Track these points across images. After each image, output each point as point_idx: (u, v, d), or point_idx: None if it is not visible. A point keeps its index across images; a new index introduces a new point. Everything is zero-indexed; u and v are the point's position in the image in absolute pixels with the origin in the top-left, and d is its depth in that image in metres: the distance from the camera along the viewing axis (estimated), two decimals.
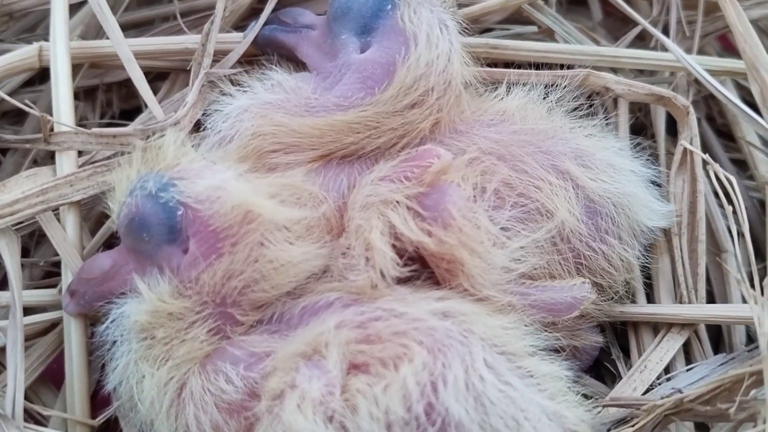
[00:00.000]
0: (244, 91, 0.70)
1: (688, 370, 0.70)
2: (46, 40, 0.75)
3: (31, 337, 0.70)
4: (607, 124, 0.75)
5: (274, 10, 0.76)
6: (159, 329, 0.60)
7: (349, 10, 0.69)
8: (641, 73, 0.85)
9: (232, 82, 0.72)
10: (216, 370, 0.59)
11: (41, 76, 0.80)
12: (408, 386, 0.53)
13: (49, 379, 0.72)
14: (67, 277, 0.69)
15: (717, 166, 0.65)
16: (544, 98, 0.72)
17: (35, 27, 0.86)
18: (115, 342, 0.62)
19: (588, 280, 0.66)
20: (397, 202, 0.62)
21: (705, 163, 0.69)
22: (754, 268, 0.62)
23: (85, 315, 0.68)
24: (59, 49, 0.73)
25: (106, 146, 0.71)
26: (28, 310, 0.69)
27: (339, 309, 0.60)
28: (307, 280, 0.63)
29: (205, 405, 0.58)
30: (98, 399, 0.68)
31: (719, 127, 0.88)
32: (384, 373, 0.54)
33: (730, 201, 0.65)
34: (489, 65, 0.79)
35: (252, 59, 0.76)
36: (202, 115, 0.72)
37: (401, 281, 0.63)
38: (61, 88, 0.72)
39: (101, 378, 0.66)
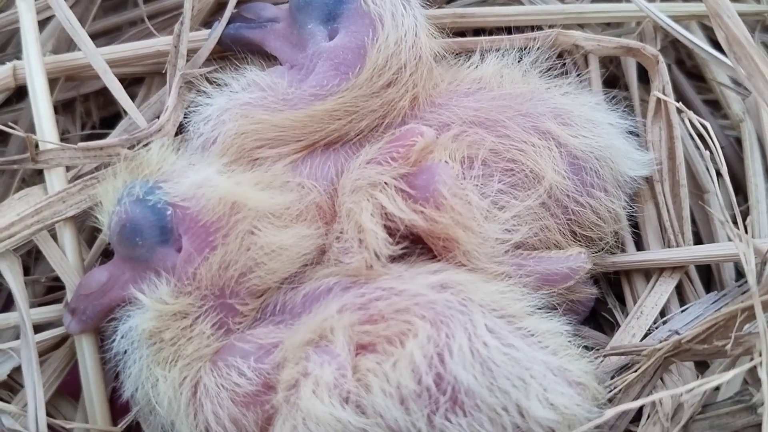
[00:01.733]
0: (221, 91, 0.71)
1: (682, 311, 0.72)
2: (18, 58, 0.75)
3: (44, 353, 0.71)
4: (580, 80, 0.77)
5: (237, 5, 0.76)
6: (165, 331, 0.62)
7: (310, 1, 0.69)
8: (609, 25, 0.86)
9: (207, 80, 0.73)
10: (227, 365, 0.60)
11: (17, 93, 0.80)
12: (416, 360, 0.55)
13: (66, 392, 0.73)
14: (70, 291, 0.70)
15: (691, 113, 0.66)
16: (518, 62, 0.73)
17: (5, 46, 0.86)
18: (125, 351, 0.64)
19: (585, 250, 0.68)
20: (386, 183, 0.64)
21: (679, 111, 0.70)
22: (736, 208, 0.63)
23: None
24: (34, 67, 0.73)
25: (94, 159, 0.72)
26: (36, 328, 0.69)
27: (339, 293, 0.61)
28: (304, 267, 0.65)
29: (221, 401, 0.60)
30: (117, 407, 0.70)
31: (690, 70, 0.89)
32: (391, 351, 0.56)
33: (707, 146, 0.67)
34: (459, 34, 0.80)
35: (224, 55, 0.77)
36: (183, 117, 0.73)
37: (396, 259, 0.64)
38: (41, 105, 0.72)
39: (117, 386, 0.67)
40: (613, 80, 0.86)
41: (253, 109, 0.69)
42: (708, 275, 0.78)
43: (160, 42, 0.77)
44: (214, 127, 0.69)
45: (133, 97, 0.77)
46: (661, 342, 0.64)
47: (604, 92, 0.81)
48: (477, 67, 0.73)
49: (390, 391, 0.55)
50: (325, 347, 0.57)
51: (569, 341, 0.62)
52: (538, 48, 0.74)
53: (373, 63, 0.68)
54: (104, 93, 0.82)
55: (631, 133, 0.74)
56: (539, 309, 0.63)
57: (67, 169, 0.73)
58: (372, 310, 0.58)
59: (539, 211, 0.67)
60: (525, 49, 0.75)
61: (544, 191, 0.67)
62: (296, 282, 0.64)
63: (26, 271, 0.79)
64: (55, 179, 0.71)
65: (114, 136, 0.76)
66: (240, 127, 0.68)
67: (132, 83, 0.81)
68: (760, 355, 0.56)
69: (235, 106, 0.69)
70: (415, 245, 0.66)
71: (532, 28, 0.79)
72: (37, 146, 0.70)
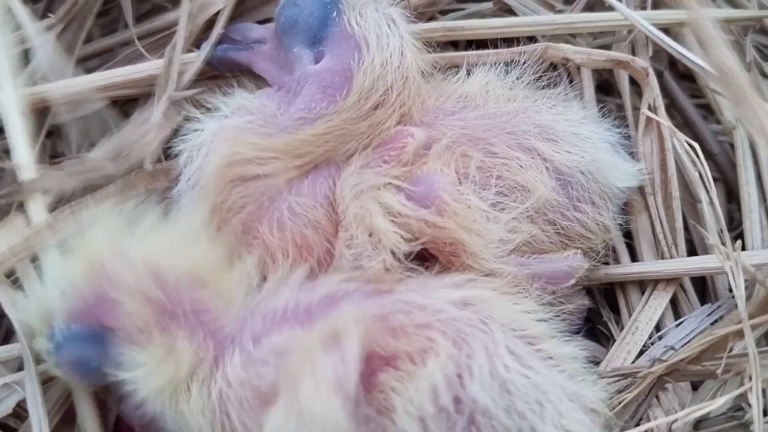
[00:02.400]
0: (211, 116, 0.70)
1: (677, 326, 0.73)
2: None
3: (48, 381, 0.72)
4: (572, 91, 0.77)
5: (226, 26, 0.77)
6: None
7: (295, 23, 0.69)
8: (601, 33, 0.86)
9: (197, 103, 0.73)
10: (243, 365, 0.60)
11: None
12: (436, 381, 0.55)
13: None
14: None
15: (680, 135, 0.67)
16: (506, 76, 0.73)
17: None
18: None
19: (579, 251, 0.69)
20: (387, 183, 0.65)
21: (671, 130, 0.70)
22: (724, 228, 0.64)
23: None
24: (9, 104, 0.73)
25: (80, 179, 0.72)
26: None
27: (359, 299, 0.61)
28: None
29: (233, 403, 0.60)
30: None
31: (682, 72, 0.89)
32: (413, 370, 0.56)
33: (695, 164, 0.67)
34: (450, 45, 0.81)
35: (215, 75, 0.77)
36: (173, 139, 0.73)
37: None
38: (17, 138, 0.73)
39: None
40: (606, 86, 0.86)
41: (242, 133, 0.68)
42: (702, 284, 0.78)
43: (152, 66, 0.77)
44: (207, 154, 0.69)
45: (127, 116, 0.78)
46: (655, 363, 0.65)
47: (597, 101, 0.81)
48: (463, 82, 0.73)
49: (413, 413, 0.55)
50: (336, 348, 0.57)
51: (584, 367, 0.62)
52: (525, 62, 0.74)
53: (360, 86, 0.68)
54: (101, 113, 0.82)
55: (621, 143, 0.74)
56: (559, 332, 0.63)
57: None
58: (393, 322, 0.58)
59: (527, 226, 0.68)
60: (514, 62, 0.74)
61: (531, 206, 0.67)
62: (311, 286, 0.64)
63: None
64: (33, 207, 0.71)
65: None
66: (232, 152, 0.67)
67: (126, 103, 0.82)
68: (751, 379, 0.57)
69: (226, 130, 0.69)
70: (427, 261, 0.67)
71: (519, 41, 0.79)
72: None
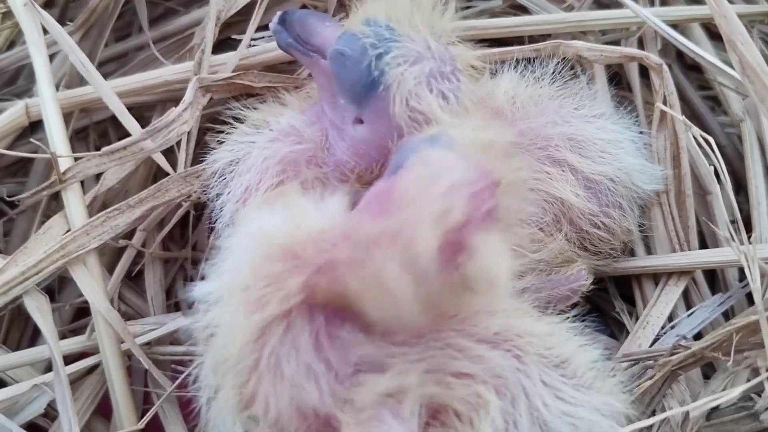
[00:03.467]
0: (259, 132, 0.69)
1: (689, 316, 0.74)
2: (28, 90, 0.77)
3: (75, 381, 0.74)
4: (587, 86, 0.78)
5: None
6: None
7: (342, 80, 0.64)
8: (611, 30, 0.87)
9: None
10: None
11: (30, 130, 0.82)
12: None
13: (101, 413, 0.77)
14: (97, 320, 0.72)
15: (695, 129, 0.67)
16: (526, 78, 0.73)
17: (14, 79, 0.87)
18: None
19: (585, 267, 0.69)
20: None
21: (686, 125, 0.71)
22: (741, 227, 0.65)
23: (121, 353, 0.72)
24: (48, 105, 0.75)
25: (119, 161, 0.73)
26: (66, 357, 0.72)
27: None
28: None
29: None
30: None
31: (690, 63, 0.90)
32: (462, 429, 0.55)
33: (710, 160, 0.68)
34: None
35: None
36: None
37: None
38: (56, 133, 0.74)
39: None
40: (615, 78, 0.87)
41: (295, 159, 0.67)
42: (712, 275, 0.80)
43: (167, 72, 0.79)
44: (260, 173, 0.67)
45: (144, 123, 0.78)
46: (672, 352, 0.67)
47: (611, 97, 0.82)
48: (486, 88, 0.71)
49: None
50: (396, 409, 0.54)
51: (606, 369, 0.61)
52: (541, 61, 0.74)
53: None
54: (116, 119, 0.83)
55: (643, 143, 0.75)
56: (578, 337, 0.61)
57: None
58: (440, 374, 0.55)
59: (553, 232, 0.68)
60: (529, 61, 0.75)
61: (562, 215, 0.68)
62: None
63: (50, 296, 0.83)
64: (73, 206, 0.73)
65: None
66: (282, 176, 0.67)
67: (143, 109, 0.83)
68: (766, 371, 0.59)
69: (278, 155, 0.67)
70: None
71: (529, 40, 0.80)
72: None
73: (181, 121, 0.72)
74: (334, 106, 0.66)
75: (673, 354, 0.66)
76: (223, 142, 0.70)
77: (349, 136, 0.66)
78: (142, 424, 0.72)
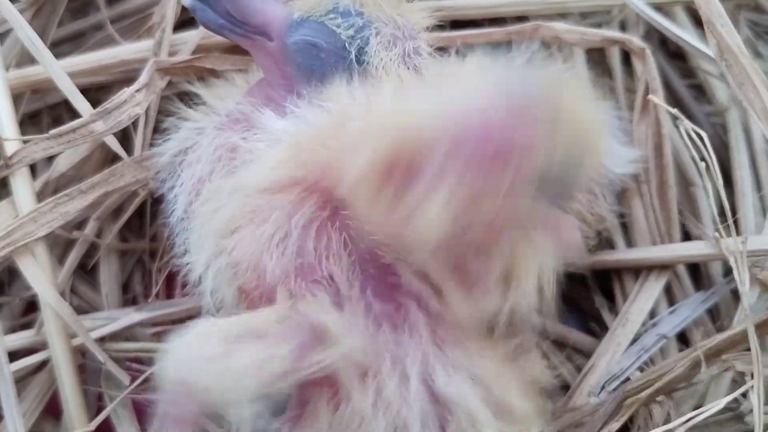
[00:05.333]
0: (206, 114, 0.65)
1: (671, 313, 0.71)
2: None
3: (22, 379, 0.70)
4: (565, 71, 0.74)
5: None
6: None
7: (312, 72, 0.60)
8: (591, 13, 0.83)
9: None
10: None
11: None
12: None
13: (50, 414, 0.73)
14: (45, 313, 0.68)
15: (687, 122, 0.64)
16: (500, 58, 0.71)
17: None
18: None
19: None
20: None
21: (674, 117, 0.68)
22: (732, 228, 0.62)
23: (72, 348, 0.68)
24: None
25: (69, 144, 0.69)
26: (13, 354, 0.69)
27: None
28: None
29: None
30: None
31: (674, 51, 0.87)
32: None
33: (700, 154, 0.65)
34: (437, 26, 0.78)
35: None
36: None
37: None
38: (5, 121, 0.70)
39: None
40: (596, 64, 0.84)
41: (249, 147, 0.60)
42: (695, 269, 0.76)
43: (125, 51, 0.74)
44: (209, 163, 0.62)
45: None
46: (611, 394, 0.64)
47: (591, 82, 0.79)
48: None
49: None
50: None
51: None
52: (517, 44, 0.71)
53: None
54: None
55: (618, 127, 0.72)
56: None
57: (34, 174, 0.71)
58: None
59: None
60: (505, 43, 0.72)
61: None
62: None
63: (1, 288, 0.79)
64: (21, 189, 0.69)
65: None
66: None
67: (101, 92, 0.78)
68: (752, 377, 0.56)
69: (228, 144, 0.62)
70: None
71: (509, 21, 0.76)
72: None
73: (133, 102, 0.68)
74: (293, 92, 0.61)
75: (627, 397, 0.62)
76: (169, 130, 0.66)
77: None
78: (94, 425, 0.68)
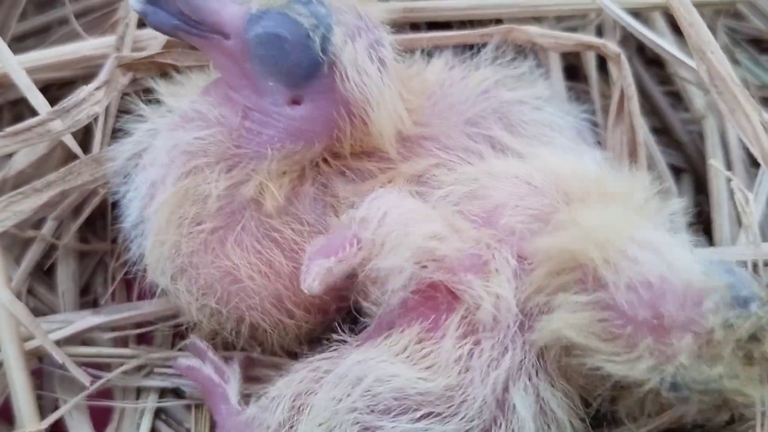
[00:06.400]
0: (160, 113, 0.64)
1: None
2: None
3: None
4: (538, 76, 0.73)
5: None
6: None
7: (276, 65, 0.58)
8: (568, 17, 0.82)
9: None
10: None
11: None
12: None
13: (2, 417, 0.70)
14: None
15: (736, 181, 0.62)
16: (469, 60, 0.69)
17: None
18: None
19: None
20: None
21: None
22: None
23: (24, 351, 0.66)
24: None
25: (25, 143, 0.66)
26: None
27: None
28: None
29: None
30: None
31: (651, 58, 0.86)
32: None
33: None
34: (410, 26, 0.76)
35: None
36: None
37: None
38: None
39: None
40: (572, 70, 0.83)
41: (205, 147, 0.61)
42: None
43: (86, 46, 0.72)
44: (166, 165, 0.61)
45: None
46: None
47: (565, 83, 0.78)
48: (421, 73, 0.68)
49: None
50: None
51: None
52: (490, 47, 0.70)
53: (347, 139, 0.61)
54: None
55: (588, 129, 0.71)
56: None
57: None
58: None
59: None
60: (476, 45, 0.71)
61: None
62: None
63: None
64: None
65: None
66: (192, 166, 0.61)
67: (64, 89, 0.76)
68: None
69: (182, 144, 0.61)
70: None
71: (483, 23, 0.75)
72: None
73: (92, 100, 0.66)
74: (254, 89, 0.60)
75: None
76: (124, 132, 0.64)
77: (284, 117, 0.60)
78: (45, 424, 0.65)
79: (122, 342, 0.72)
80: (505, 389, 0.52)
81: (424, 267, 0.55)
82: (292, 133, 0.60)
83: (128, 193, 0.63)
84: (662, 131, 0.82)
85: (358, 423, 0.52)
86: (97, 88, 0.66)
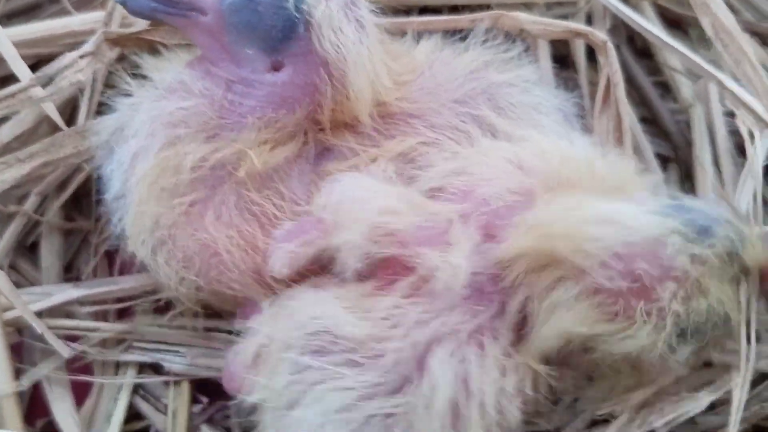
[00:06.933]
0: (144, 87, 0.63)
1: None
2: None
3: None
4: (529, 61, 0.73)
5: None
6: None
7: (252, 30, 0.59)
8: (557, 4, 0.82)
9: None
10: None
11: None
12: None
13: None
14: None
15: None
16: (457, 44, 0.69)
17: None
18: None
19: None
20: None
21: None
22: None
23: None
24: None
25: (7, 109, 0.67)
26: None
27: None
28: None
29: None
30: None
31: (641, 49, 0.86)
32: None
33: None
34: (398, 11, 0.76)
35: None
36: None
37: None
38: None
39: None
40: (561, 59, 0.83)
41: (184, 120, 0.61)
42: None
43: (74, 21, 0.72)
44: (147, 138, 0.61)
45: None
46: None
47: (555, 74, 0.78)
48: (411, 56, 0.67)
49: None
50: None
51: None
52: (479, 32, 0.70)
53: (327, 103, 0.61)
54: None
55: (575, 114, 0.70)
56: None
57: None
58: None
59: None
60: (464, 31, 0.71)
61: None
62: None
63: None
64: None
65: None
66: (173, 139, 0.61)
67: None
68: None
69: (164, 114, 0.61)
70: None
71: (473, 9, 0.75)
72: None
73: (75, 68, 0.65)
74: (234, 60, 0.61)
75: None
76: (108, 107, 0.64)
77: (265, 84, 0.60)
78: (21, 387, 0.67)
79: (102, 316, 0.72)
80: (427, 351, 0.53)
81: (377, 242, 0.55)
82: (273, 101, 0.60)
83: (110, 165, 0.63)
84: (650, 121, 0.82)
85: (293, 362, 0.54)
86: (82, 57, 0.66)
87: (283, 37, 0.59)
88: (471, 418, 0.52)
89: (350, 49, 0.60)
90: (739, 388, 0.52)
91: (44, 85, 0.65)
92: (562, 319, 0.51)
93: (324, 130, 0.62)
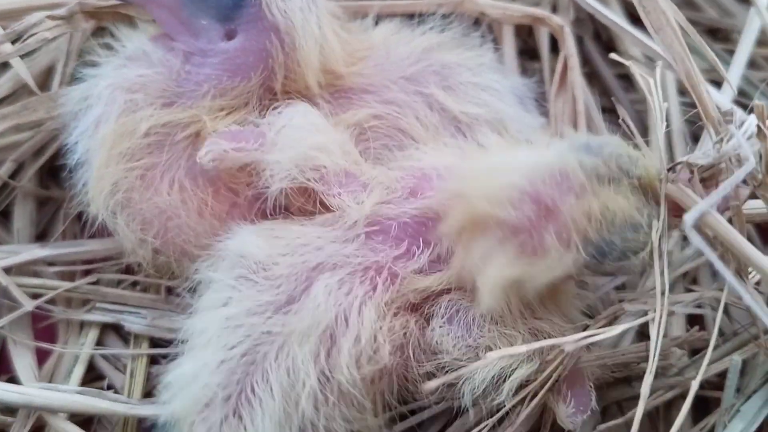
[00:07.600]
0: (107, 60, 0.67)
1: None
2: None
3: None
4: (490, 47, 0.75)
5: None
6: None
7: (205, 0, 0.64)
8: None
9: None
10: None
11: None
12: None
13: None
14: None
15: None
16: (416, 27, 0.72)
17: None
18: None
19: None
20: None
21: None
22: None
23: None
24: None
25: None
26: None
27: None
28: None
29: None
30: None
31: (607, 44, 0.88)
32: None
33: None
34: None
35: None
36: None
37: None
38: None
39: None
40: (530, 52, 0.85)
41: (142, 87, 0.64)
42: None
43: None
44: (107, 104, 0.64)
45: None
46: None
47: (520, 63, 0.81)
48: (368, 34, 0.71)
49: None
50: None
51: None
52: (440, 14, 0.72)
53: (279, 69, 0.64)
54: None
55: (530, 97, 0.73)
56: None
57: None
58: None
59: None
60: (427, 14, 0.73)
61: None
62: None
63: None
64: None
65: None
66: (131, 106, 0.64)
67: None
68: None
69: (124, 81, 0.64)
70: None
71: None
72: None
73: (44, 27, 0.67)
74: (191, 33, 0.64)
75: None
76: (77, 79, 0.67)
77: (219, 52, 0.64)
78: None
79: (69, 277, 0.74)
80: (318, 274, 0.56)
81: (303, 172, 0.59)
82: (228, 69, 0.64)
83: (76, 131, 0.66)
84: (612, 111, 0.84)
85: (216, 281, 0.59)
86: (52, 18, 0.68)
87: (234, 5, 0.63)
88: (343, 348, 0.55)
89: (297, 14, 0.63)
90: (656, 326, 0.53)
91: (13, 42, 0.67)
92: (495, 267, 0.53)
93: (278, 98, 0.65)
